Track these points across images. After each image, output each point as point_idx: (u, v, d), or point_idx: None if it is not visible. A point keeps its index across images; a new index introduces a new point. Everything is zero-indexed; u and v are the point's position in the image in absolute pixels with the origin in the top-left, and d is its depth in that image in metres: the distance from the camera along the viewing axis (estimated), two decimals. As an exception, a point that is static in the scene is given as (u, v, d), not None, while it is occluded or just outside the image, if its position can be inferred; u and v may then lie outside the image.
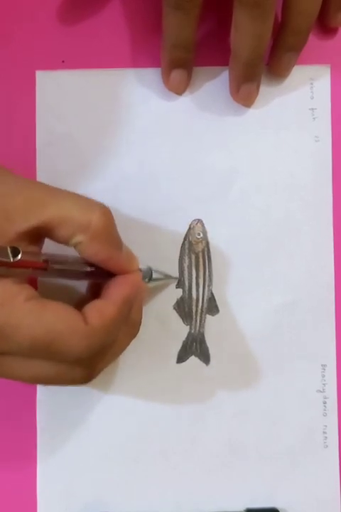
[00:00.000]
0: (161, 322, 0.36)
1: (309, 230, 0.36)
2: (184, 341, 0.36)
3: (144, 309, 0.34)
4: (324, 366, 0.36)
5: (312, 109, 0.37)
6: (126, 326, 0.31)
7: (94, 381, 0.34)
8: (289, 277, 0.36)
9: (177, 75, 0.35)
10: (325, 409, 0.36)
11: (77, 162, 0.36)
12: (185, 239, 0.36)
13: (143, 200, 0.36)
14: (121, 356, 0.33)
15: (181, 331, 0.36)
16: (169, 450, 0.36)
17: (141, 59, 0.36)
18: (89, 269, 0.30)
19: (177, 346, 0.36)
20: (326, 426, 0.36)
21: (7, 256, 0.26)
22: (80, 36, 0.36)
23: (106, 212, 0.29)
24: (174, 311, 0.36)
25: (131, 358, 0.36)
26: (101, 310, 0.29)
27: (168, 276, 0.35)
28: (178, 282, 0.36)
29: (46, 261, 0.28)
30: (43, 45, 0.36)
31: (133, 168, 0.36)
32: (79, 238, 0.28)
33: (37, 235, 0.28)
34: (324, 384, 0.36)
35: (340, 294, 0.36)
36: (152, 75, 0.36)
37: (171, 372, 0.36)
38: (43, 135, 0.36)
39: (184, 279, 0.36)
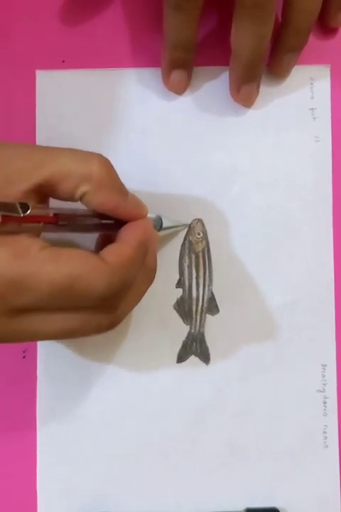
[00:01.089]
0: (161, 322, 0.36)
1: (309, 229, 0.37)
2: (184, 341, 0.36)
3: (144, 309, 0.34)
4: (324, 366, 0.36)
5: (312, 109, 0.37)
6: (142, 272, 0.30)
7: (95, 381, 0.34)
8: (289, 277, 0.36)
9: (177, 75, 0.35)
10: (325, 409, 0.36)
11: (77, 162, 0.36)
12: (185, 238, 0.36)
13: (143, 200, 0.36)
14: (121, 356, 0.33)
15: (181, 330, 0.36)
16: (169, 450, 0.36)
17: (141, 59, 0.36)
18: (98, 220, 0.30)
19: (178, 346, 0.36)
20: (326, 426, 0.36)
21: (17, 211, 0.26)
22: (80, 36, 0.36)
23: (104, 160, 0.29)
24: (174, 311, 0.36)
25: (132, 358, 0.36)
26: (118, 251, 0.29)
27: (177, 224, 0.36)
28: (178, 282, 0.36)
29: (56, 215, 0.28)
30: (43, 44, 0.36)
31: (133, 167, 0.36)
32: (83, 189, 0.28)
33: (40, 193, 0.28)
34: (324, 384, 0.36)
35: (340, 294, 0.37)
36: (152, 75, 0.36)
37: (171, 372, 0.36)
38: (43, 135, 0.36)
39: (184, 279, 0.36)
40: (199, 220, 0.36)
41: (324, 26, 0.36)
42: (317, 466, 0.36)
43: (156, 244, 0.32)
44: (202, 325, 0.36)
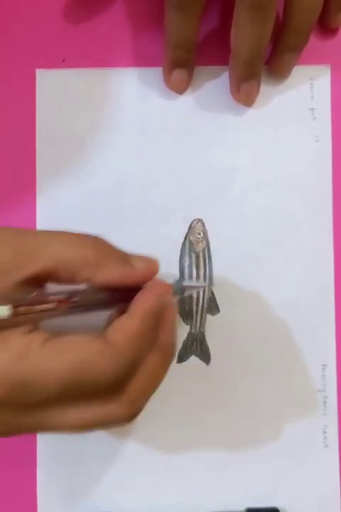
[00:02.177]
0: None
1: (309, 229, 0.37)
2: (184, 341, 0.36)
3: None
4: (324, 366, 0.36)
5: (312, 109, 0.37)
6: (158, 350, 0.29)
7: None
8: (289, 277, 0.36)
9: (178, 74, 0.35)
10: (325, 409, 0.36)
11: (77, 161, 0.36)
12: (185, 238, 0.36)
13: (144, 200, 0.36)
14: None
15: (181, 330, 0.36)
16: (169, 450, 0.36)
17: (141, 58, 0.36)
18: (111, 293, 0.29)
19: (178, 346, 0.36)
20: (326, 426, 0.36)
21: (21, 295, 0.26)
22: (81, 35, 0.36)
23: (97, 240, 0.29)
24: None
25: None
26: (122, 326, 0.27)
27: (198, 285, 0.35)
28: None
29: (67, 297, 0.27)
30: (44, 43, 0.36)
31: (134, 167, 0.36)
32: (83, 274, 0.28)
33: (37, 281, 0.27)
34: (324, 384, 0.36)
35: (340, 294, 0.37)
36: (153, 74, 0.36)
37: (171, 372, 0.36)
38: (43, 134, 0.36)
39: (184, 279, 0.36)
40: (200, 220, 0.36)
41: (324, 26, 0.36)
42: (317, 466, 0.36)
43: (173, 316, 0.29)
44: (202, 325, 0.36)
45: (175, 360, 0.36)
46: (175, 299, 0.31)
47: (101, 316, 0.30)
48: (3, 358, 0.26)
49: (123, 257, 0.29)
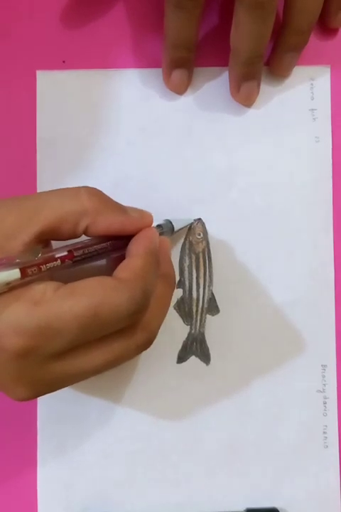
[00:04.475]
0: (161, 322, 0.36)
1: (309, 230, 0.37)
2: (184, 341, 0.36)
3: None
4: (324, 366, 0.36)
5: (313, 109, 0.37)
6: (161, 280, 0.31)
7: (95, 381, 0.34)
8: (289, 277, 0.36)
9: (178, 74, 0.35)
10: (325, 409, 0.36)
11: (77, 162, 0.36)
12: (185, 239, 0.36)
13: (144, 200, 0.36)
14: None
15: (181, 330, 0.36)
16: (169, 450, 0.36)
17: (141, 59, 0.36)
18: (109, 241, 0.30)
19: (178, 346, 0.36)
20: (326, 426, 0.36)
21: (33, 256, 0.27)
22: (81, 36, 0.36)
23: (92, 189, 0.30)
24: (174, 311, 0.36)
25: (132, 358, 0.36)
26: (128, 266, 0.29)
27: (187, 224, 0.36)
28: (178, 282, 0.36)
29: (70, 251, 0.29)
30: (44, 45, 0.36)
31: (134, 168, 0.36)
32: (83, 224, 0.29)
33: (41, 240, 0.28)
34: (324, 384, 0.36)
35: (340, 294, 0.37)
36: (153, 75, 0.36)
37: (171, 372, 0.36)
38: (43, 135, 0.36)
39: (184, 279, 0.36)
40: (200, 220, 0.36)
41: (324, 27, 0.36)
42: (317, 466, 0.36)
43: (168, 250, 0.33)
44: (202, 325, 0.36)
45: (175, 360, 0.36)
46: (167, 237, 0.34)
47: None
48: (18, 308, 0.26)
49: (120, 207, 0.31)
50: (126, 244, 0.31)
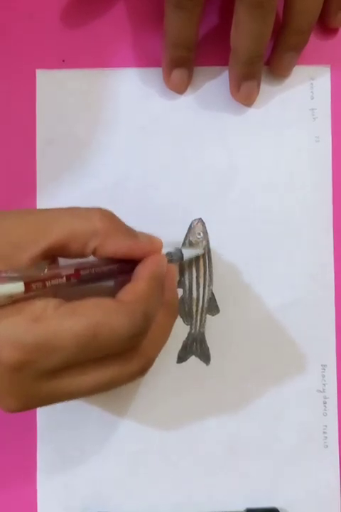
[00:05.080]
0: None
1: (309, 229, 0.37)
2: (184, 341, 0.36)
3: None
4: (324, 366, 0.36)
5: (313, 109, 0.37)
6: (163, 308, 0.31)
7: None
8: (289, 277, 0.36)
9: (178, 74, 0.35)
10: (325, 409, 0.36)
11: (77, 161, 0.36)
12: (185, 238, 0.36)
13: (144, 200, 0.36)
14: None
15: (181, 330, 0.36)
16: (169, 450, 0.36)
17: (141, 58, 0.36)
18: (116, 264, 0.30)
19: (178, 346, 0.36)
20: (326, 426, 0.36)
21: (39, 272, 0.27)
22: (81, 35, 0.36)
23: (105, 212, 0.30)
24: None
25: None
26: (132, 288, 0.29)
27: (198, 253, 0.36)
28: (178, 282, 0.36)
29: (77, 270, 0.29)
30: (44, 44, 0.36)
31: (134, 167, 0.36)
32: (92, 245, 0.29)
33: (48, 256, 0.28)
34: (324, 384, 0.36)
35: (340, 294, 0.37)
36: (153, 74, 0.36)
37: (171, 372, 0.36)
38: (43, 134, 0.36)
39: (184, 279, 0.36)
40: (200, 220, 0.36)
41: (324, 26, 0.36)
42: (317, 466, 0.36)
43: (175, 278, 0.33)
44: (202, 325, 0.36)
45: (175, 360, 0.36)
46: (175, 264, 0.34)
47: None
48: (18, 322, 0.26)
49: (130, 231, 0.31)
50: (133, 269, 0.30)
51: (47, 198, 0.36)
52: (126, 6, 0.37)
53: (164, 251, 0.32)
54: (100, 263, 0.30)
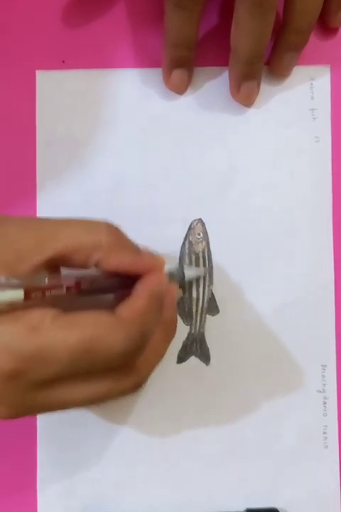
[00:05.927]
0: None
1: (309, 229, 0.37)
2: (184, 341, 0.36)
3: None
4: (324, 366, 0.36)
5: (313, 109, 0.37)
6: (161, 326, 0.30)
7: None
8: (289, 277, 0.36)
9: (178, 74, 0.35)
10: (325, 410, 0.36)
11: (77, 162, 0.36)
12: (185, 239, 0.36)
13: (144, 200, 0.36)
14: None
15: (181, 331, 0.36)
16: (169, 450, 0.36)
17: (141, 59, 0.36)
18: (117, 279, 0.30)
19: (178, 346, 0.36)
20: (326, 426, 0.36)
21: (41, 282, 0.27)
22: (80, 36, 0.36)
23: (111, 226, 0.30)
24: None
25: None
26: (130, 304, 0.29)
27: (199, 273, 0.36)
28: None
29: (78, 282, 0.29)
30: (43, 45, 0.36)
31: (134, 168, 0.36)
32: (95, 257, 0.29)
33: (51, 266, 0.28)
34: (324, 384, 0.36)
35: (340, 294, 0.37)
36: (153, 75, 0.36)
37: (171, 373, 0.36)
38: (43, 135, 0.36)
39: (185, 265, 0.36)
40: (200, 221, 0.36)
41: (324, 26, 0.36)
42: (317, 466, 0.36)
43: (174, 297, 0.32)
44: (202, 325, 0.36)
45: (175, 360, 0.36)
46: (176, 283, 0.33)
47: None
48: (15, 330, 0.26)
49: (134, 248, 0.31)
50: (134, 284, 0.30)
51: (47, 198, 0.36)
52: (126, 6, 0.37)
53: (166, 269, 0.32)
54: (101, 276, 0.30)
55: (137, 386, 0.30)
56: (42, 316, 0.27)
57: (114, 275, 0.30)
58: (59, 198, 0.36)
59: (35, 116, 0.36)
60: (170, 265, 0.33)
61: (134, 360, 0.29)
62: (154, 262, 0.31)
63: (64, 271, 0.30)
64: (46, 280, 0.27)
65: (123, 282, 0.30)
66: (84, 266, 0.29)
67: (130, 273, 0.30)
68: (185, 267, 0.35)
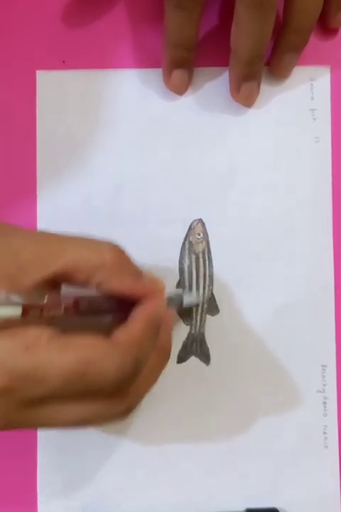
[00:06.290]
0: (161, 322, 0.36)
1: (309, 230, 0.37)
2: (184, 341, 0.36)
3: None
4: (324, 366, 0.36)
5: (313, 109, 0.37)
6: (156, 352, 0.30)
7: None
8: (289, 277, 0.36)
9: (178, 74, 0.35)
10: (325, 410, 0.36)
11: (77, 162, 0.36)
12: (185, 239, 0.36)
13: (144, 201, 0.36)
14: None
15: (181, 331, 0.36)
16: (169, 450, 0.36)
17: (141, 59, 0.36)
18: (116, 301, 0.30)
19: (178, 346, 0.36)
20: (326, 426, 0.36)
21: (39, 299, 0.27)
22: (81, 36, 0.36)
23: (115, 247, 0.29)
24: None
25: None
26: (127, 329, 0.29)
27: (198, 301, 0.36)
28: (178, 283, 0.36)
29: (76, 302, 0.29)
30: (44, 45, 0.36)
31: (134, 168, 0.36)
32: (97, 278, 0.28)
33: (53, 282, 0.28)
34: (324, 384, 0.36)
35: (340, 294, 0.37)
36: (153, 75, 0.36)
37: (171, 373, 0.36)
38: (43, 135, 0.36)
39: (184, 280, 0.36)
40: (200, 221, 0.36)
41: (324, 27, 0.36)
42: (317, 466, 0.36)
43: (171, 323, 0.32)
44: (202, 325, 0.36)
45: (175, 360, 0.36)
46: (174, 309, 0.34)
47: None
48: (10, 347, 0.26)
49: (136, 271, 0.30)
50: (133, 306, 0.30)
51: (47, 198, 0.36)
52: (126, 6, 0.37)
53: (165, 293, 0.32)
54: (100, 297, 0.30)
55: (128, 412, 0.30)
56: (38, 335, 0.26)
57: (113, 297, 0.30)
58: (59, 199, 0.36)
59: (35, 117, 0.36)
60: (170, 290, 0.33)
61: (127, 386, 0.28)
62: (154, 286, 0.31)
63: (63, 289, 0.30)
64: (46, 299, 0.27)
65: (123, 304, 0.30)
66: (85, 285, 0.29)
67: (130, 296, 0.30)
68: (185, 293, 0.35)
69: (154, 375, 0.31)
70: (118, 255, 0.29)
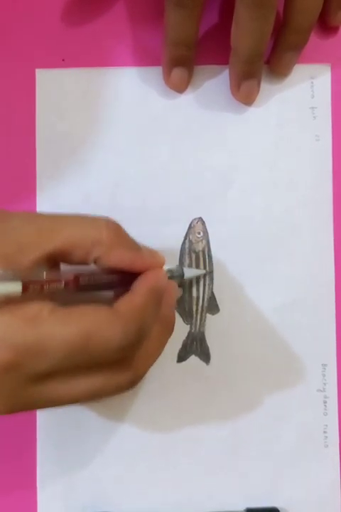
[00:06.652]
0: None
1: (309, 229, 0.36)
2: (184, 340, 0.36)
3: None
4: (324, 366, 0.36)
5: (313, 108, 0.37)
6: (159, 323, 0.30)
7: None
8: (289, 276, 0.36)
9: (178, 72, 0.35)
10: (325, 409, 0.36)
11: (77, 160, 0.36)
12: (185, 238, 0.36)
13: (144, 199, 0.36)
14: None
15: (181, 330, 0.36)
16: (169, 450, 0.36)
17: (141, 57, 0.36)
18: (116, 276, 0.30)
19: (178, 345, 0.36)
20: (326, 425, 0.36)
21: (39, 276, 0.27)
22: (80, 35, 0.36)
23: (112, 223, 0.30)
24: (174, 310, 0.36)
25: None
26: (129, 299, 0.29)
27: (199, 273, 0.36)
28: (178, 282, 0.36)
29: (76, 277, 0.29)
30: (43, 43, 0.36)
31: (134, 166, 0.36)
32: (95, 254, 0.29)
33: (51, 261, 0.28)
34: (324, 383, 0.36)
35: (340, 294, 0.36)
36: (153, 73, 0.36)
37: (171, 372, 0.36)
38: (43, 133, 0.36)
39: (185, 265, 0.36)
40: (200, 219, 0.36)
41: (324, 25, 0.36)
42: (317, 466, 0.36)
43: (174, 294, 0.32)
44: (202, 324, 0.36)
45: (175, 359, 0.36)
46: (176, 281, 0.33)
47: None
48: (12, 322, 0.26)
49: (134, 245, 0.31)
50: (133, 281, 0.30)
51: (47, 198, 0.36)
52: (126, 5, 0.36)
53: (166, 267, 0.32)
54: (100, 272, 0.30)
55: (133, 382, 0.30)
56: (39, 309, 0.27)
57: (114, 272, 0.30)
58: (59, 197, 0.36)
59: (35, 115, 0.36)
60: (170, 264, 0.33)
61: (131, 355, 0.29)
62: (154, 259, 0.31)
63: (63, 267, 0.30)
64: (44, 274, 0.27)
65: (123, 279, 0.30)
66: (84, 262, 0.29)
67: (130, 270, 0.30)
68: (185, 267, 0.35)
69: (158, 347, 0.31)
70: (116, 230, 0.30)
